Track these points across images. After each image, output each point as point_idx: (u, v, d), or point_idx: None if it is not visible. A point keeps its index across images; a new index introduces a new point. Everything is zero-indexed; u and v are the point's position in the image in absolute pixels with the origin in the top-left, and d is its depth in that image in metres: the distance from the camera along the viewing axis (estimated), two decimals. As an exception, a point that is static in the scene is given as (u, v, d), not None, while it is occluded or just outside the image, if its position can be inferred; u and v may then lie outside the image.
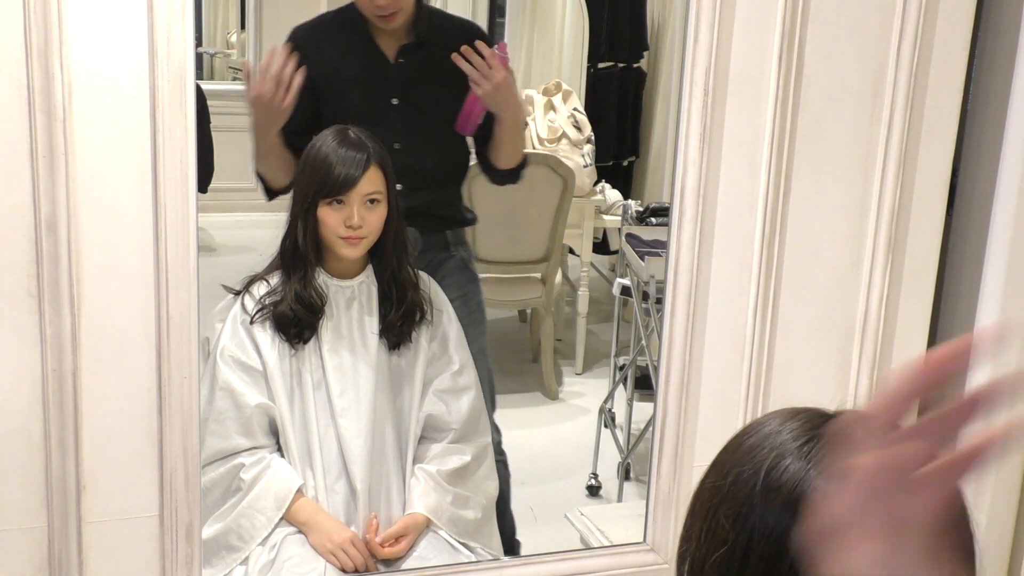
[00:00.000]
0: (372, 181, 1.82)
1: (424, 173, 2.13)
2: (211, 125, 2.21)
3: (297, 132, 2.04)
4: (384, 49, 2.11)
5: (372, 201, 1.83)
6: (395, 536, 1.82)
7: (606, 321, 3.35)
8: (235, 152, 2.52)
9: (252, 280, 1.90)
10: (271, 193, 2.08)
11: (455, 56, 2.04)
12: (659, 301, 2.13)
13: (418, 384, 1.93)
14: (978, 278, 1.98)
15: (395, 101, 2.11)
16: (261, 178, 2.09)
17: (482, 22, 4.50)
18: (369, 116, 2.07)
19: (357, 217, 1.81)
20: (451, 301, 2.15)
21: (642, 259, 2.62)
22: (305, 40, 2.13)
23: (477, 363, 2.19)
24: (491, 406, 2.25)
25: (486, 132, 2.22)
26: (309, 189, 1.82)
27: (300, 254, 1.84)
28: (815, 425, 0.80)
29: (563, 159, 3.37)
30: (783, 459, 0.78)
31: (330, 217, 1.82)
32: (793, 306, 1.90)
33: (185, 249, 1.52)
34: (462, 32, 2.20)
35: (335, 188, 1.80)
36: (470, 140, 2.26)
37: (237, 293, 1.88)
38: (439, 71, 2.14)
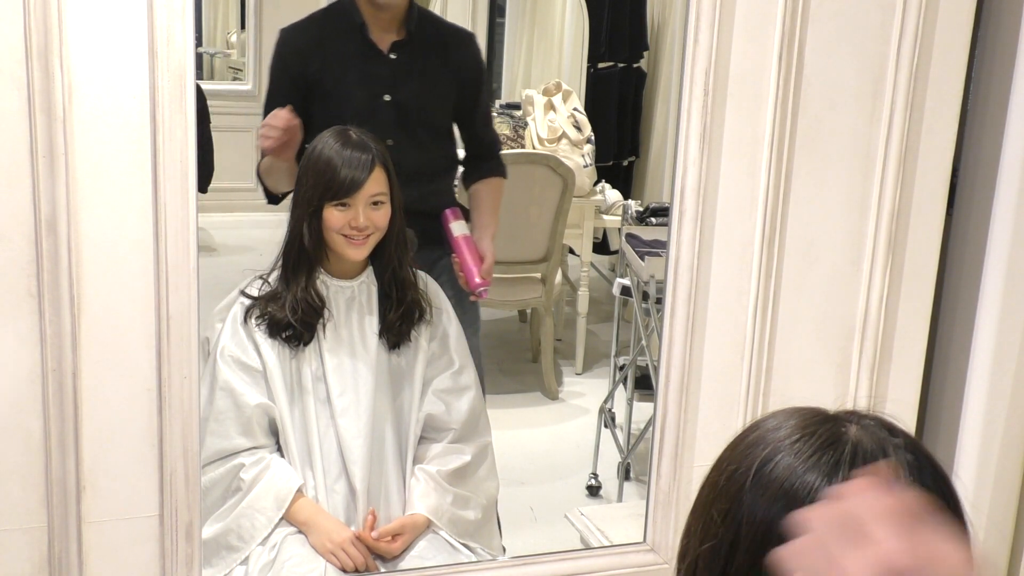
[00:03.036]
0: (377, 182, 1.83)
1: (415, 168, 2.14)
2: (211, 125, 2.22)
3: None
4: (378, 43, 2.12)
5: (377, 202, 1.83)
6: (391, 533, 1.82)
7: (606, 321, 3.35)
8: (235, 152, 2.52)
9: (253, 280, 1.90)
10: (273, 198, 2.09)
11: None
12: (659, 301, 2.13)
13: (418, 384, 1.93)
14: (978, 278, 1.98)
15: (387, 97, 2.12)
16: (264, 186, 2.10)
17: (482, 22, 4.50)
18: (363, 112, 2.09)
19: (363, 218, 1.81)
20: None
21: (642, 259, 2.62)
22: (298, 39, 2.15)
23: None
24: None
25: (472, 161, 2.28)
26: (314, 192, 1.81)
27: (305, 256, 1.84)
28: (809, 423, 0.80)
29: (563, 159, 3.36)
30: (776, 454, 0.79)
31: (336, 219, 1.82)
32: (793, 306, 1.90)
33: (185, 249, 1.52)
34: (454, 36, 2.24)
35: (342, 190, 1.80)
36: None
37: (242, 293, 1.88)
38: (427, 68, 2.17)
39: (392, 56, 2.12)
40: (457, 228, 2.14)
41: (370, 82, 2.13)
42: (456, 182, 2.36)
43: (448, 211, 2.17)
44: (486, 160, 2.32)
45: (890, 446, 0.78)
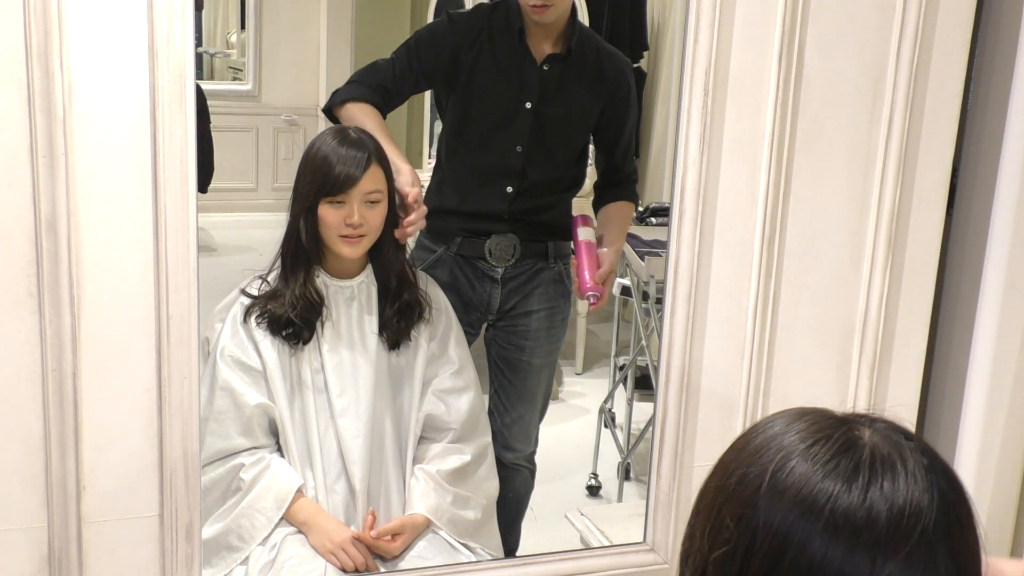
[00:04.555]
0: (373, 179, 1.83)
1: (537, 179, 2.14)
2: (211, 125, 2.22)
3: (384, 99, 2.05)
4: (533, 52, 2.11)
5: (373, 200, 1.83)
6: (391, 532, 1.82)
7: (606, 321, 3.35)
8: (235, 152, 2.52)
9: (253, 280, 1.90)
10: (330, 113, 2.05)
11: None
12: (659, 301, 2.13)
13: (417, 384, 1.93)
14: (978, 278, 1.98)
15: (528, 105, 2.10)
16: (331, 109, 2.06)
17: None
18: (500, 114, 2.10)
19: (358, 216, 1.81)
20: (536, 311, 2.18)
21: (642, 259, 2.62)
22: (462, 26, 2.12)
23: (543, 375, 2.22)
24: (540, 417, 2.28)
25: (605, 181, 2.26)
26: (310, 188, 1.82)
27: (302, 254, 1.84)
28: (822, 427, 0.80)
29: (563, 159, 3.35)
30: (789, 460, 0.78)
31: (331, 216, 1.82)
32: (793, 306, 1.90)
33: (185, 249, 1.52)
34: (610, 60, 2.19)
35: (336, 187, 1.80)
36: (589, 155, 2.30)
37: (243, 292, 1.88)
38: (577, 86, 2.14)
39: (545, 67, 2.10)
40: (583, 233, 2.12)
41: (516, 87, 2.11)
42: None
43: (579, 217, 2.16)
44: (619, 188, 2.28)
45: (906, 449, 0.78)
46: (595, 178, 2.34)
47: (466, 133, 2.15)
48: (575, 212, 2.25)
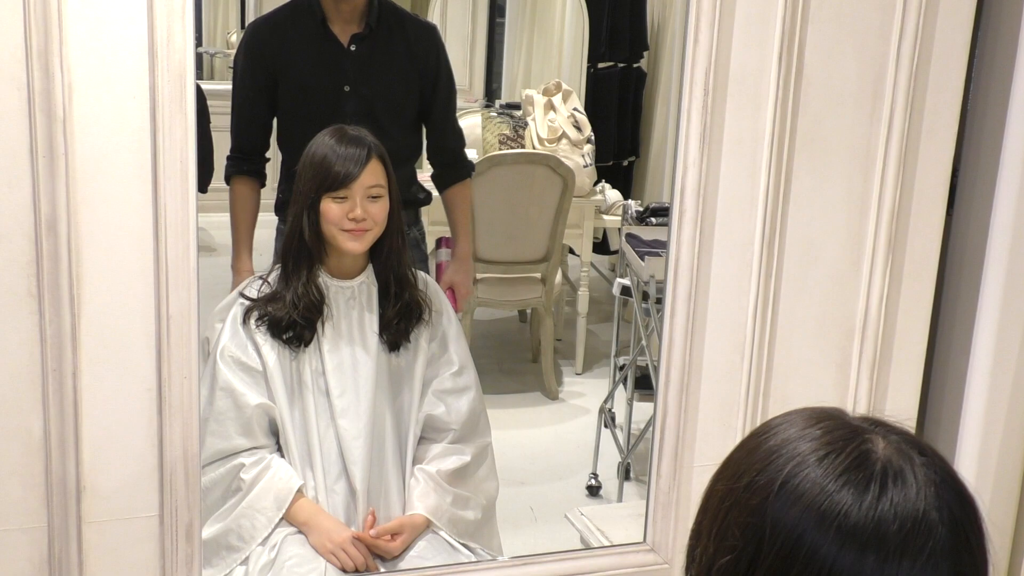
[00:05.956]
0: (374, 174, 1.83)
1: None
2: (211, 125, 2.23)
3: (257, 150, 2.25)
4: (338, 36, 2.19)
5: (374, 195, 1.84)
6: (390, 532, 1.82)
7: (606, 321, 3.35)
8: (235, 152, 2.50)
9: (253, 280, 1.90)
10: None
11: None
12: (659, 301, 2.13)
13: (418, 384, 1.93)
14: (978, 278, 1.98)
15: (347, 88, 2.20)
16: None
17: (482, 22, 4.50)
18: (324, 102, 2.19)
19: (360, 209, 1.82)
20: None
21: (642, 259, 2.62)
22: (264, 32, 2.26)
23: None
24: None
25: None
26: (311, 186, 1.82)
27: (305, 251, 1.84)
28: (836, 437, 0.79)
29: (563, 159, 3.37)
30: (802, 469, 0.77)
31: (333, 211, 1.82)
32: (793, 306, 1.90)
33: (185, 249, 1.52)
34: (415, 27, 2.31)
35: (338, 182, 1.81)
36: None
37: (242, 294, 1.88)
38: (388, 60, 2.24)
39: (352, 48, 2.19)
40: (439, 255, 2.47)
41: (330, 73, 2.20)
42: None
43: (442, 238, 2.42)
44: (451, 157, 2.43)
45: (918, 465, 0.77)
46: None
47: (296, 124, 2.23)
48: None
